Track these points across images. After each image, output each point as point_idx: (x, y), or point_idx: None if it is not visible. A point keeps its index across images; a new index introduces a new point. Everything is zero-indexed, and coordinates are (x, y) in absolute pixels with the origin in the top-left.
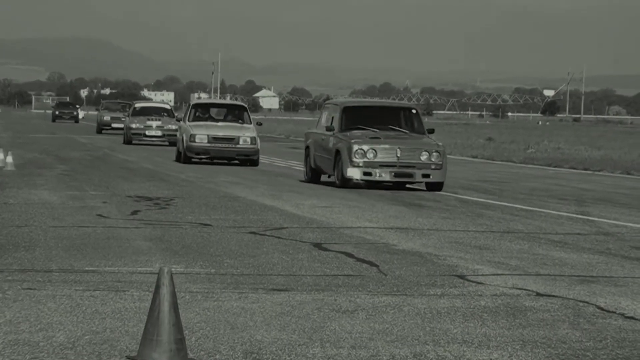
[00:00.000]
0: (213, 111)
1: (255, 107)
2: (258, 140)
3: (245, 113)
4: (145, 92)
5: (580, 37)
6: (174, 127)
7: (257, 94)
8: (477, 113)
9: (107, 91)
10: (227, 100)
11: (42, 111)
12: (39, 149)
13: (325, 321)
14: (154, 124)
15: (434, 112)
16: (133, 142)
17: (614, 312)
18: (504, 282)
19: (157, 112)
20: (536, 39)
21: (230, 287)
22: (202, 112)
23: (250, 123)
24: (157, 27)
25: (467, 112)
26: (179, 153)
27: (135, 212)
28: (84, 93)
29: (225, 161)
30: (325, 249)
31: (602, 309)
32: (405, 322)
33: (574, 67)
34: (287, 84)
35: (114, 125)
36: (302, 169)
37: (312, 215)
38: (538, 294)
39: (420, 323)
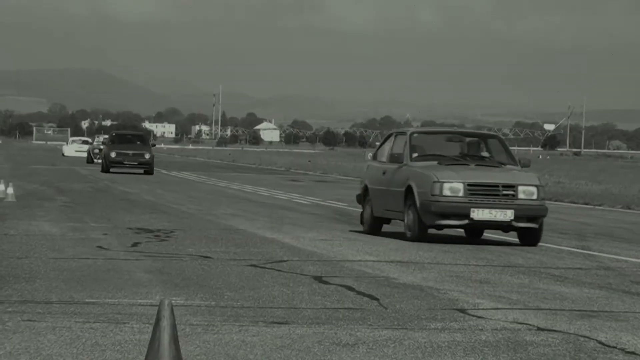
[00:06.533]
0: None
1: (256, 139)
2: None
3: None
4: (147, 124)
5: (581, 71)
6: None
7: (258, 127)
8: None
9: (108, 123)
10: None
11: (43, 142)
12: (39, 181)
13: (325, 354)
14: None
15: None
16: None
17: (615, 347)
18: (504, 317)
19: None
20: (537, 73)
21: (230, 320)
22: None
23: (517, 164)
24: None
25: None
26: None
27: (135, 244)
28: (84, 124)
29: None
30: (326, 282)
31: (602, 343)
32: (405, 356)
33: (574, 102)
34: (287, 116)
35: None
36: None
37: (313, 248)
38: (539, 329)
39: (421, 357)
